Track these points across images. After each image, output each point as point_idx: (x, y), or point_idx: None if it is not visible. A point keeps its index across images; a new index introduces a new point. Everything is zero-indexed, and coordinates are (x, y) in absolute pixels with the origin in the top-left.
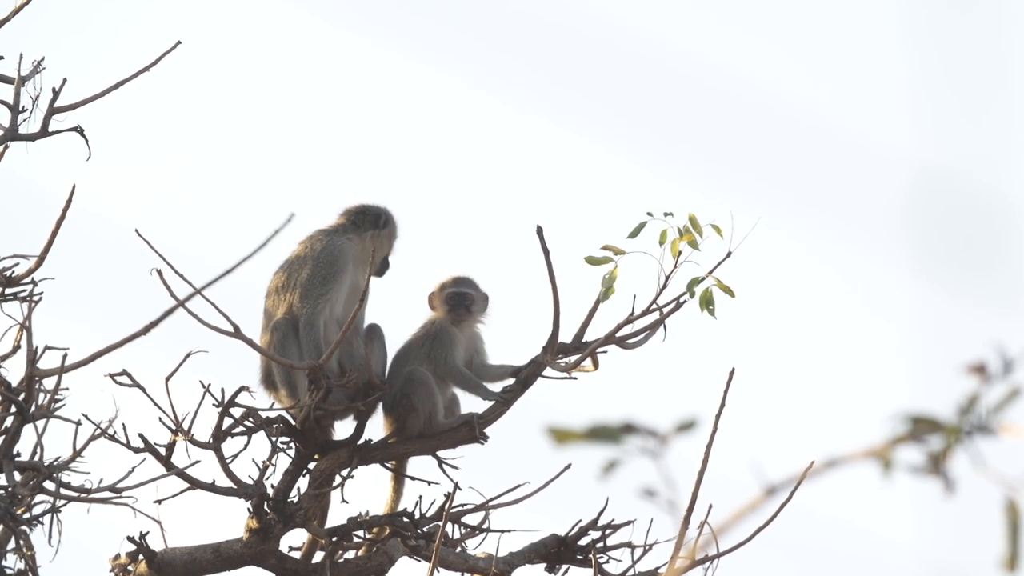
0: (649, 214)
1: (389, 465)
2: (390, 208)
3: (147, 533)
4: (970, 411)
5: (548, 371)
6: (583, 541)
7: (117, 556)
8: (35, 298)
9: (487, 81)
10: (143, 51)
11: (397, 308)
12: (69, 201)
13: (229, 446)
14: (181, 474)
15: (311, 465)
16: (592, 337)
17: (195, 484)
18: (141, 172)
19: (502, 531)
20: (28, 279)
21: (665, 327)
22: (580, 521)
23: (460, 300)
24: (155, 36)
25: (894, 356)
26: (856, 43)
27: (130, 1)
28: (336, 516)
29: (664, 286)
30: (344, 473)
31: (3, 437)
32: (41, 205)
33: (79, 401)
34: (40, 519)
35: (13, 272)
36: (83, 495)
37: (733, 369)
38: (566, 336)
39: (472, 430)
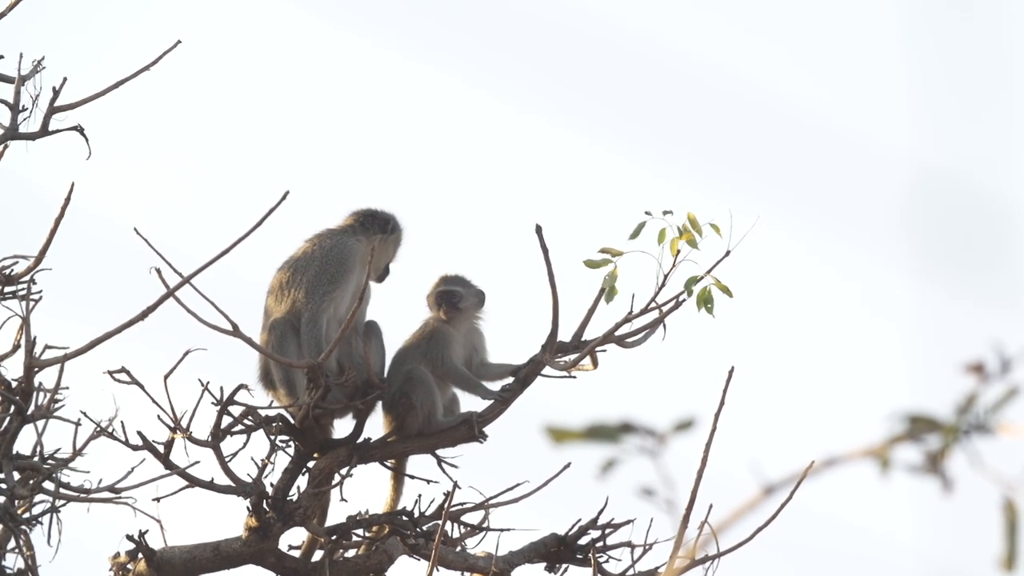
0: (648, 213)
1: (388, 464)
2: (399, 215)
3: (146, 532)
4: (968, 410)
5: (547, 370)
6: (583, 540)
7: (117, 555)
8: (34, 296)
9: (487, 81)
10: (143, 51)
11: (396, 307)
12: (68, 200)
13: (228, 444)
14: (180, 473)
15: (310, 464)
16: (591, 336)
17: (194, 482)
18: (140, 171)
19: (502, 530)
20: (27, 277)
21: (664, 326)
22: (580, 520)
23: (448, 298)
24: (155, 36)
25: (893, 355)
26: (856, 43)
27: (130, 1)
28: (335, 515)
29: (663, 285)
30: (343, 472)
31: (3, 436)
32: (40, 204)
33: (78, 400)
34: (40, 518)
35: (12, 271)
36: (83, 495)
37: (732, 368)
38: (565, 335)
39: (471, 429)
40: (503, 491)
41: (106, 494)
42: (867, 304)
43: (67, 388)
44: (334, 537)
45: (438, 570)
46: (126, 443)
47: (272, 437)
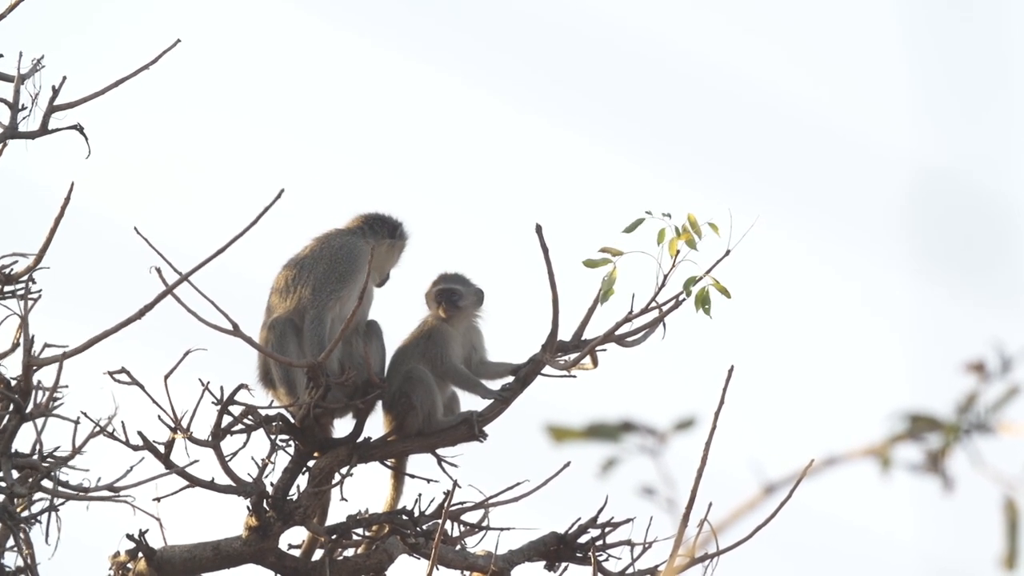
0: (648, 212)
1: (388, 463)
2: (407, 222)
3: (146, 531)
4: (969, 410)
5: (547, 369)
6: (582, 539)
7: (116, 554)
8: (33, 295)
9: (487, 81)
10: (143, 50)
11: (396, 307)
12: (68, 199)
13: (228, 444)
14: (180, 472)
15: (310, 463)
16: (591, 335)
17: (194, 482)
18: (140, 171)
19: (501, 529)
20: (26, 276)
21: (664, 325)
22: (579, 519)
23: (447, 297)
24: (155, 35)
25: (893, 355)
26: (856, 43)
27: (130, 1)
28: (335, 514)
29: (662, 285)
30: (343, 471)
31: (2, 435)
32: (40, 203)
33: (78, 399)
34: (39, 517)
35: (11, 270)
36: (82, 493)
37: (732, 367)
38: (565, 334)
39: (471, 428)
40: (503, 490)
41: (105, 493)
42: (867, 304)
43: (66, 386)
44: (334, 536)
45: (438, 569)
46: (126, 443)
47: (272, 436)
